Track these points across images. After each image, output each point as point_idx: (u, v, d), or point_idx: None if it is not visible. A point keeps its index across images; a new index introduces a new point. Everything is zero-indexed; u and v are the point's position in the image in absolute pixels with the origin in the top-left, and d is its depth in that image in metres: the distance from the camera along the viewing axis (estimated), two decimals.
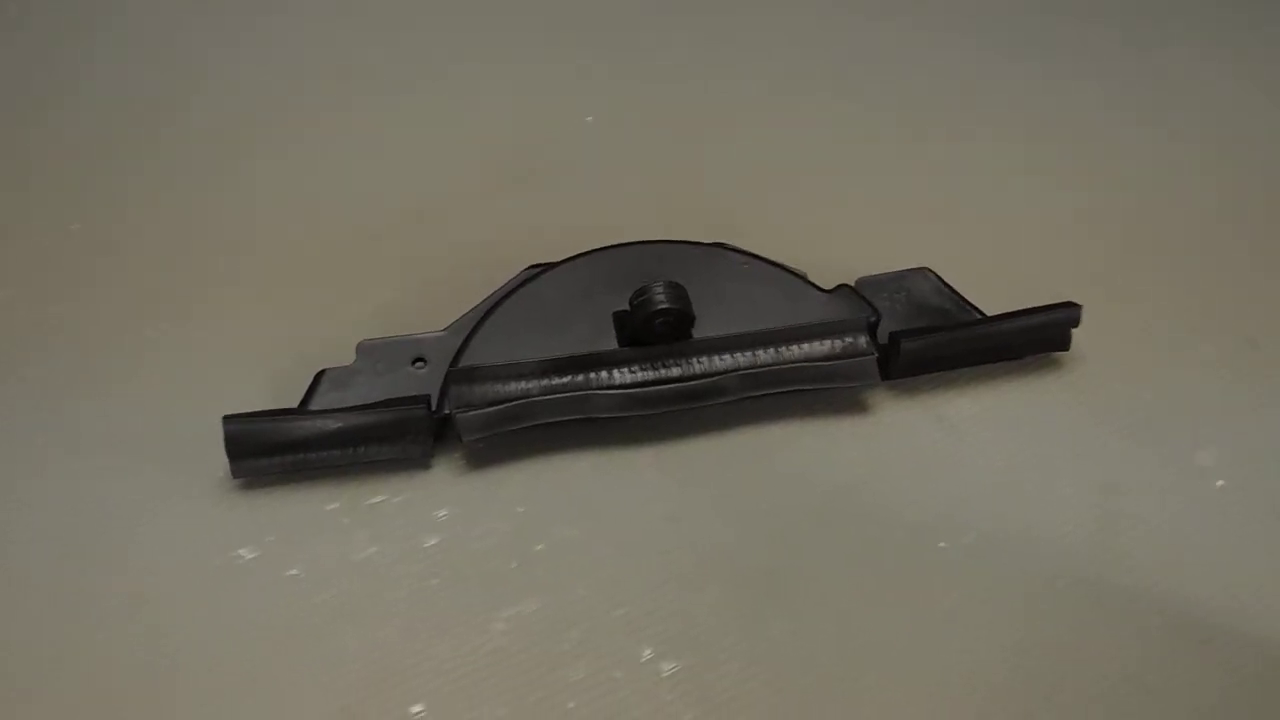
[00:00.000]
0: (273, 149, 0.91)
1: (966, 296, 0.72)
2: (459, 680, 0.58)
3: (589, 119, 0.91)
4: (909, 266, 0.74)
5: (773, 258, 0.72)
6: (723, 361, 0.67)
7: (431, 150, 0.90)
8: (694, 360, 0.67)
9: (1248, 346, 0.72)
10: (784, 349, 0.67)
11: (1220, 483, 0.65)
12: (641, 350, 0.67)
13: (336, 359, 0.69)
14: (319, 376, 0.69)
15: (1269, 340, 0.73)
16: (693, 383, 0.66)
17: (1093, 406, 0.69)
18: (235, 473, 0.65)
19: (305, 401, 0.68)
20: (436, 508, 0.65)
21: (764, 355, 0.67)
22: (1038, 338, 0.70)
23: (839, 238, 0.79)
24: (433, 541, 0.64)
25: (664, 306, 0.66)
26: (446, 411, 0.66)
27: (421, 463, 0.67)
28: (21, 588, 0.62)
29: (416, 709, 0.58)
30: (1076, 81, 0.96)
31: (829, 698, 0.57)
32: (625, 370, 0.66)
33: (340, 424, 0.65)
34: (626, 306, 0.68)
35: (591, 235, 0.73)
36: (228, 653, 0.59)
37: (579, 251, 0.72)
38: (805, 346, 0.67)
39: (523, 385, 0.66)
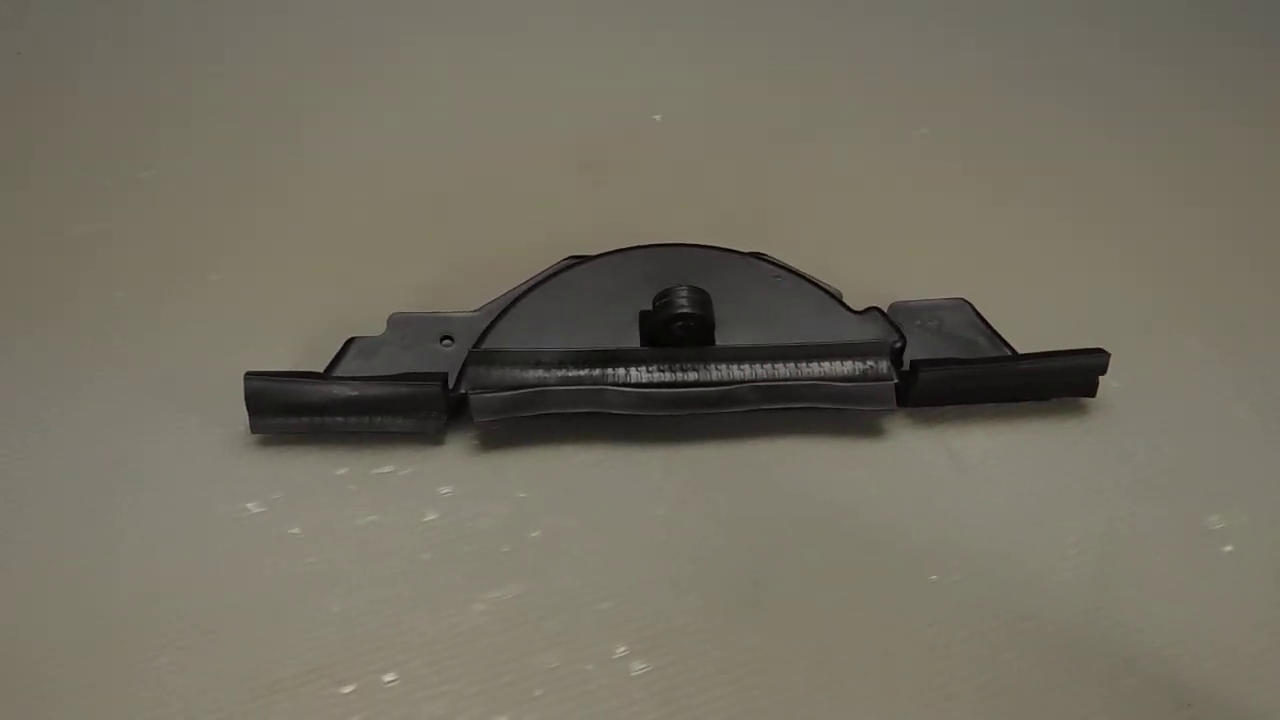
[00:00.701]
0: (343, 115, 0.92)
1: (1006, 334, 0.71)
2: (433, 655, 0.60)
3: (657, 117, 0.92)
4: (948, 296, 0.73)
5: (812, 273, 0.72)
6: (740, 371, 0.67)
7: (497, 130, 0.91)
8: (712, 367, 0.67)
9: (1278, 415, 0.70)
10: (803, 365, 0.67)
11: (1228, 548, 0.64)
12: (661, 351, 0.67)
13: (372, 328, 0.70)
14: (349, 343, 0.70)
15: None
16: (708, 389, 0.67)
17: (1110, 456, 0.68)
18: (254, 428, 0.67)
19: (331, 366, 0.69)
20: (441, 484, 0.67)
21: (782, 369, 0.67)
22: (1063, 381, 0.69)
23: (884, 261, 0.79)
24: (432, 517, 0.65)
25: (684, 311, 0.66)
26: (463, 391, 0.67)
27: (435, 439, 0.68)
28: (35, 510, 0.65)
29: (389, 678, 0.59)
30: (1138, 131, 0.94)
31: (791, 714, 0.57)
32: (643, 370, 0.67)
33: (357, 392, 0.66)
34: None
35: (639, 232, 0.74)
36: (214, 598, 0.62)
37: (621, 247, 0.73)
38: (825, 365, 0.67)
39: (539, 374, 0.66)
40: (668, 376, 0.67)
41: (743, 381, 0.67)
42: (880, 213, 0.85)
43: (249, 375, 0.66)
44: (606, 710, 0.58)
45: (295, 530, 0.65)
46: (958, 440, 0.69)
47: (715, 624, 0.61)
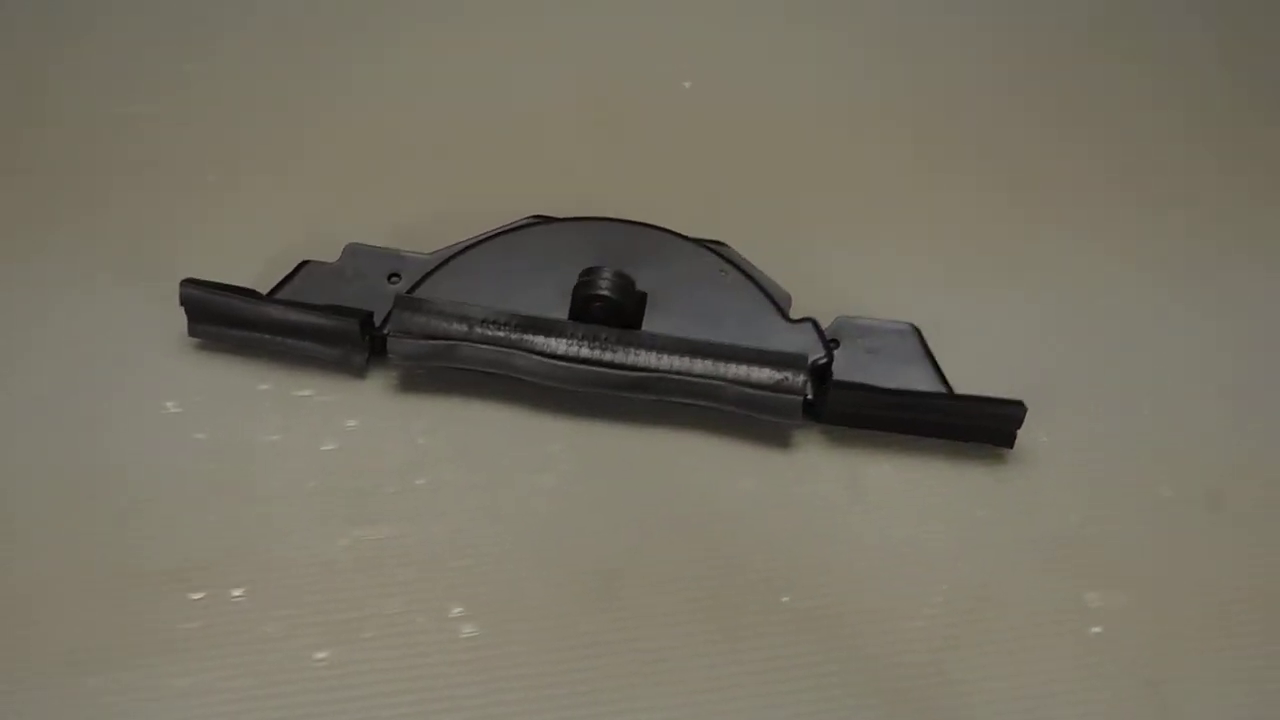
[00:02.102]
0: (384, 49, 0.93)
1: (961, 368, 0.70)
2: (286, 579, 0.63)
3: (687, 84, 0.91)
4: (903, 320, 0.71)
5: (775, 273, 0.72)
6: (656, 360, 0.67)
7: (522, 79, 0.91)
8: (630, 350, 0.67)
9: (1207, 501, 0.67)
10: (719, 365, 0.67)
11: (1096, 629, 0.62)
12: (583, 327, 0.68)
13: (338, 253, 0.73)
14: (301, 265, 0.73)
15: (1235, 504, 0.67)
16: (621, 372, 0.67)
17: (1011, 512, 0.67)
18: (191, 332, 0.71)
19: (279, 286, 0.72)
20: (350, 417, 0.69)
21: (698, 365, 0.67)
22: (977, 426, 0.68)
23: (864, 270, 0.77)
24: (330, 446, 0.68)
25: (600, 293, 0.67)
26: (385, 332, 0.69)
27: (358, 372, 0.70)
28: None
29: (237, 592, 0.62)
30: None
31: (603, 706, 0.59)
32: (563, 341, 0.68)
33: (282, 316, 0.69)
34: None
35: (630, 199, 0.76)
36: (105, 483, 0.66)
37: (591, 214, 0.74)
38: (740, 369, 0.67)
39: (460, 328, 0.68)
40: (584, 352, 0.68)
41: (654, 370, 0.67)
42: (881, 220, 0.83)
43: (185, 282, 0.69)
44: (424, 664, 0.60)
45: (201, 435, 0.68)
46: (864, 466, 0.68)
47: (559, 605, 0.62)
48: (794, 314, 0.72)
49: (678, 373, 0.67)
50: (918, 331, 0.71)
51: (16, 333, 0.72)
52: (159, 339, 0.72)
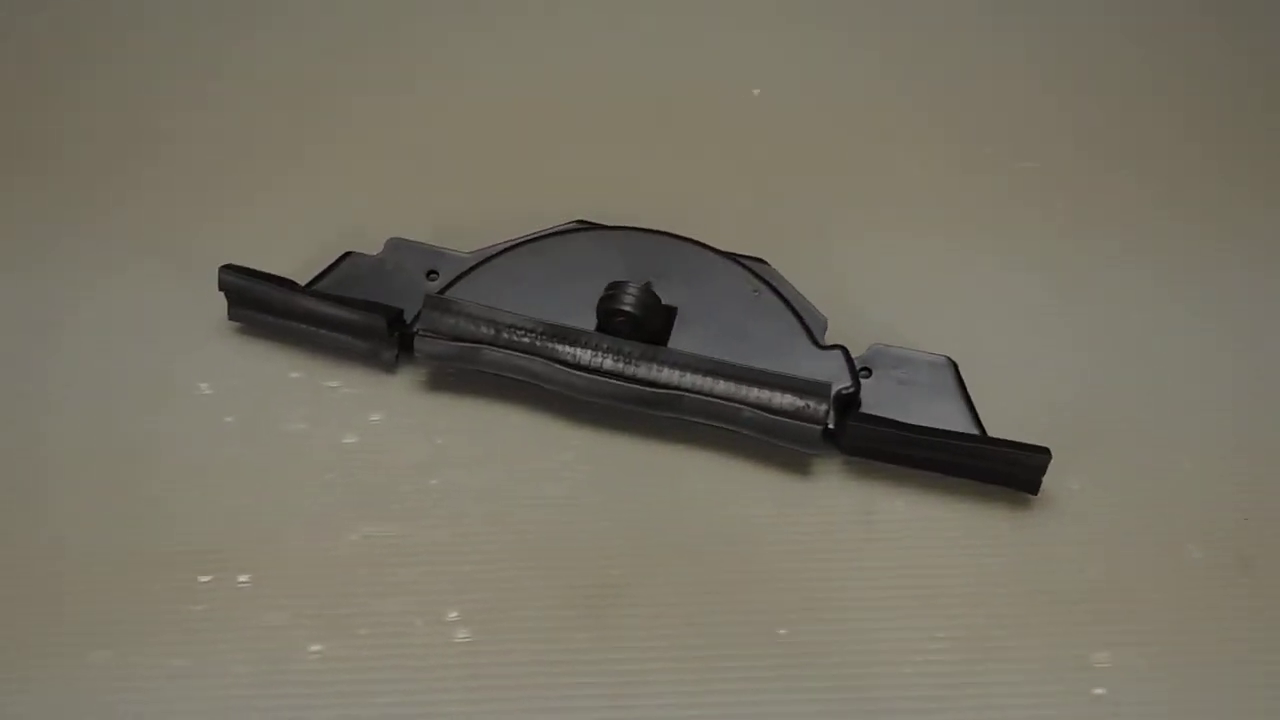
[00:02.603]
0: (439, 38, 0.94)
1: (998, 405, 0.69)
2: (292, 569, 0.64)
3: (756, 92, 0.90)
4: (941, 354, 0.70)
5: (816, 294, 0.72)
6: (678, 378, 0.67)
7: (581, 77, 0.91)
8: (652, 366, 0.67)
9: (1238, 565, 0.65)
10: (740, 387, 0.66)
11: (1099, 691, 0.60)
12: (608, 340, 0.68)
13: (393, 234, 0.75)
14: (344, 256, 0.74)
15: (1266, 572, 0.65)
16: (641, 387, 0.67)
17: (1028, 561, 0.65)
18: (231, 316, 0.72)
19: (321, 275, 0.73)
20: (374, 411, 0.70)
21: (719, 386, 0.67)
22: (999, 470, 0.66)
23: (905, 298, 0.76)
24: (351, 440, 0.69)
25: (624, 309, 0.67)
26: (415, 330, 0.70)
27: (388, 367, 0.71)
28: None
29: (244, 578, 0.64)
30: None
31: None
32: (587, 352, 0.68)
33: (315, 308, 0.70)
34: None
35: (672, 209, 0.76)
36: (132, 460, 0.68)
37: (637, 223, 0.74)
38: (761, 393, 0.66)
39: (487, 332, 0.68)
40: (606, 365, 0.68)
41: (674, 388, 0.67)
42: (940, 246, 0.81)
43: (224, 268, 0.71)
44: (414, 667, 0.61)
45: (229, 419, 0.70)
46: (881, 500, 0.67)
47: (553, 616, 0.63)
48: (831, 337, 0.71)
49: (697, 392, 0.67)
50: (953, 365, 0.70)
51: (67, 313, 0.75)
52: (201, 322, 0.74)
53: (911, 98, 0.90)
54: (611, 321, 0.68)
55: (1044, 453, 0.64)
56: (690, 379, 0.67)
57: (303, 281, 0.73)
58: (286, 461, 0.68)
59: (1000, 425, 0.68)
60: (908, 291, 0.77)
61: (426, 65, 0.92)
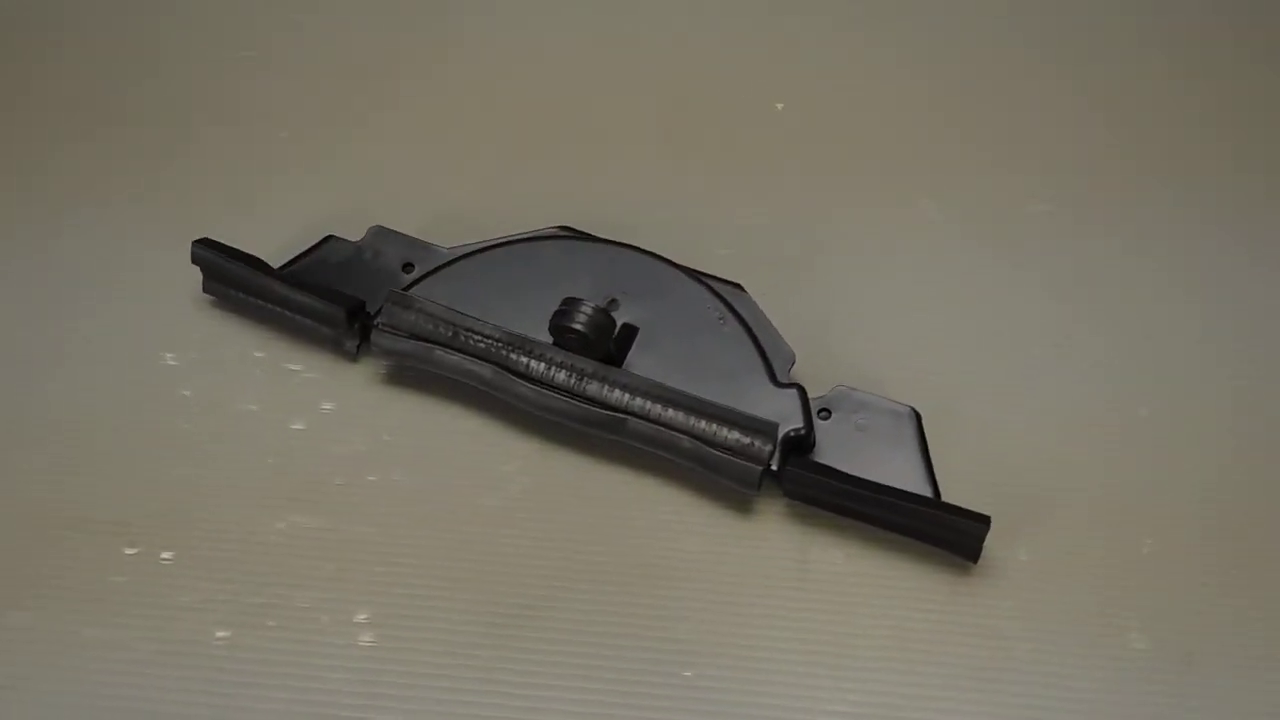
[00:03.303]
0: (473, 28, 0.93)
1: (962, 463, 0.67)
2: (216, 551, 0.65)
3: (779, 106, 0.88)
4: (908, 403, 0.68)
5: (793, 324, 0.70)
6: (626, 401, 0.66)
7: (617, 77, 0.89)
8: (604, 386, 0.66)
9: (1180, 660, 0.62)
10: (686, 418, 0.65)
11: None
12: (564, 355, 0.67)
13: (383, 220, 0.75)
14: (325, 240, 0.74)
15: (1208, 668, 0.61)
16: (589, 407, 0.66)
17: (954, 630, 0.62)
18: (205, 289, 0.73)
19: (300, 256, 0.74)
20: (328, 399, 0.70)
21: (664, 414, 0.65)
22: (939, 535, 0.64)
23: (891, 341, 0.74)
24: (299, 426, 0.69)
25: (574, 327, 0.66)
26: (377, 323, 0.69)
27: (349, 356, 0.71)
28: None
29: (167, 555, 0.64)
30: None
31: None
32: (541, 365, 0.67)
33: (280, 291, 0.70)
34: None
35: (663, 223, 0.76)
36: (84, 422, 0.70)
37: (620, 236, 0.73)
38: (707, 426, 0.65)
39: (444, 332, 0.68)
40: (559, 379, 0.67)
41: (618, 410, 0.66)
42: (936, 292, 0.78)
43: (197, 243, 0.72)
44: (312, 664, 0.61)
45: (187, 393, 0.71)
46: (819, 550, 0.65)
47: (461, 630, 0.62)
48: (803, 373, 0.70)
49: (642, 416, 0.65)
50: (916, 416, 0.67)
51: (43, 267, 0.76)
52: (181, 292, 0.74)
53: (929, 137, 0.86)
54: (563, 337, 0.66)
55: (983, 521, 0.62)
56: (636, 403, 0.65)
57: (283, 260, 0.73)
58: (232, 442, 0.69)
59: (960, 484, 0.66)
60: (895, 334, 0.74)
61: (456, 54, 0.91)
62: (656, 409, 0.65)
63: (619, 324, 0.69)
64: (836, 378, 0.69)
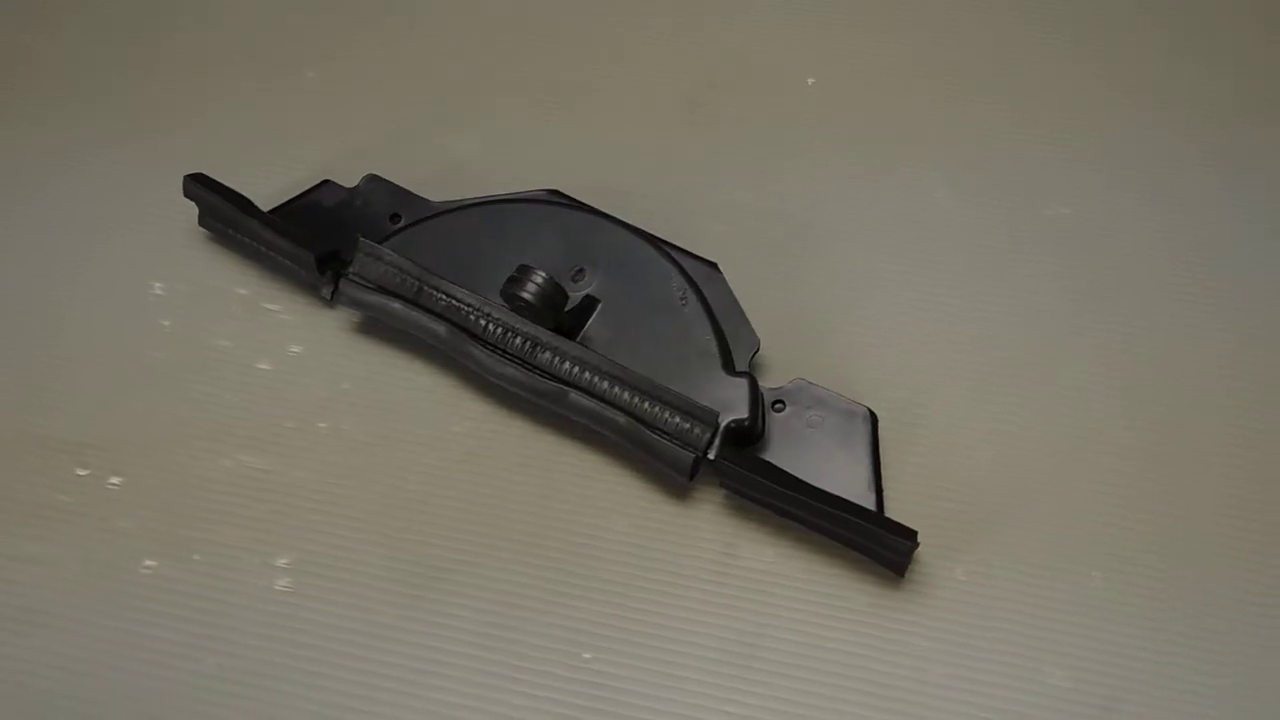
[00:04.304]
0: None
1: (917, 470, 0.65)
2: (161, 481, 0.67)
3: (811, 80, 0.85)
4: (866, 404, 0.65)
5: (765, 309, 0.68)
6: (570, 372, 0.65)
7: (643, 42, 0.87)
8: (553, 355, 0.65)
9: (1103, 704, 0.59)
10: (630, 397, 0.64)
11: None
12: (521, 322, 0.66)
13: (389, 169, 0.75)
14: (321, 184, 0.75)
15: (1131, 713, 0.58)
16: (536, 375, 0.66)
17: (865, 647, 0.61)
18: (200, 223, 0.75)
19: (296, 198, 0.75)
20: (296, 342, 0.71)
21: (610, 391, 0.64)
22: (864, 545, 0.61)
23: (875, 338, 0.71)
24: (264, 366, 0.71)
25: (523, 295, 0.65)
26: (345, 272, 0.70)
27: (326, 301, 0.72)
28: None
29: (115, 480, 0.67)
30: None
31: (362, 701, 0.60)
32: (499, 329, 0.66)
33: (260, 231, 0.71)
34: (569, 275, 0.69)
35: (657, 195, 0.75)
36: (67, 342, 0.72)
37: (608, 205, 0.72)
38: (649, 407, 0.64)
39: (410, 287, 0.68)
40: (514, 345, 0.66)
41: (567, 383, 0.65)
42: (924, 292, 0.74)
43: (189, 178, 0.73)
44: (230, 601, 0.63)
45: (166, 323, 0.72)
46: (748, 545, 0.64)
47: (374, 585, 0.63)
48: (772, 362, 0.69)
49: (584, 390, 0.65)
50: (873, 418, 0.65)
51: (77, 198, 0.78)
52: (178, 223, 0.76)
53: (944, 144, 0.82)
54: (513, 304, 0.66)
55: (908, 537, 0.59)
56: (583, 376, 0.65)
57: (281, 201, 0.74)
58: (198, 375, 0.70)
59: (911, 494, 0.64)
60: (875, 332, 0.71)
61: (490, 10, 0.90)
62: (599, 384, 0.64)
63: (581, 295, 0.68)
64: (803, 370, 0.67)
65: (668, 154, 0.80)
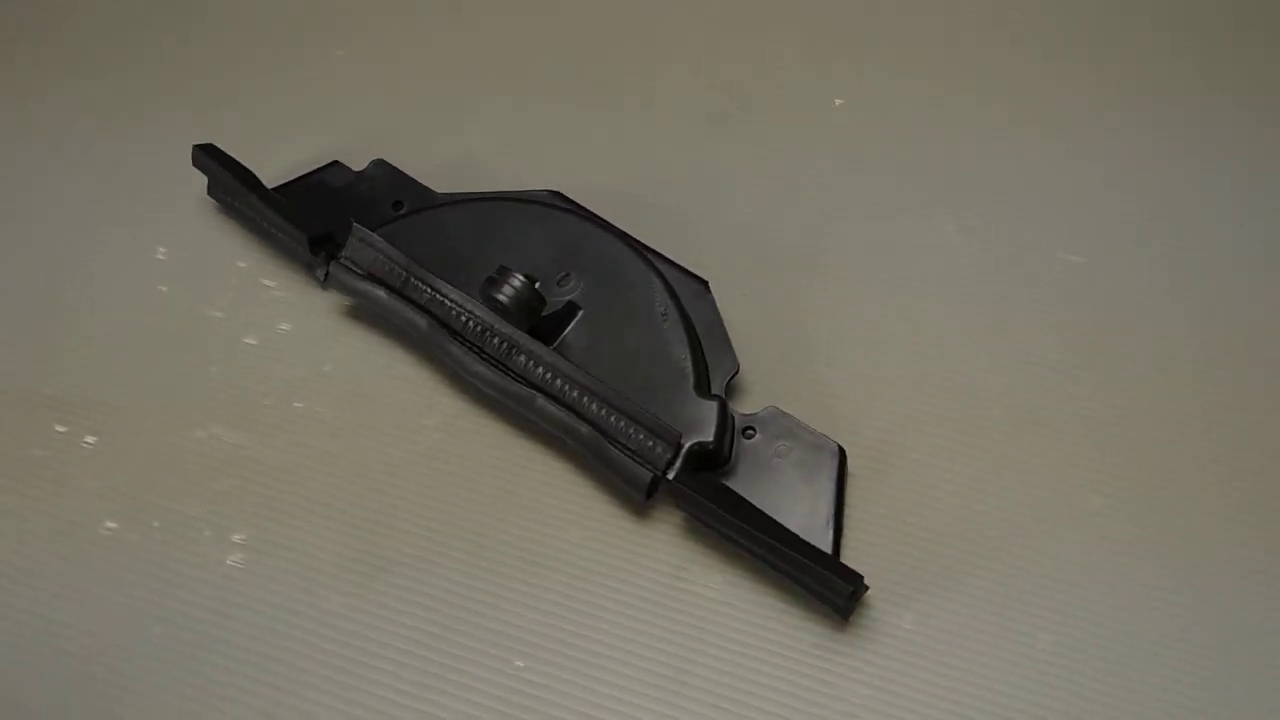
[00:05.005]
0: None
1: (880, 510, 0.64)
2: (131, 444, 0.68)
3: (838, 101, 0.83)
4: (838, 440, 0.65)
5: (753, 332, 0.69)
6: (544, 379, 0.65)
7: (674, 51, 0.87)
8: (530, 360, 0.65)
9: None
10: (596, 408, 0.64)
11: None
12: (500, 322, 0.66)
13: (402, 155, 0.77)
14: (329, 165, 0.76)
15: None
16: (509, 377, 0.66)
17: (797, 689, 0.59)
18: (208, 191, 0.76)
19: (304, 176, 0.76)
20: (286, 320, 0.72)
21: (577, 400, 0.64)
22: (809, 585, 0.60)
23: (865, 372, 0.70)
24: (251, 341, 0.71)
25: (498, 297, 0.65)
26: (338, 257, 0.71)
27: (319, 283, 0.72)
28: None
29: (91, 439, 0.68)
30: None
31: (297, 685, 0.60)
32: (479, 327, 0.67)
33: (257, 208, 0.72)
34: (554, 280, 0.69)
35: (665, 205, 0.75)
36: (69, 300, 0.74)
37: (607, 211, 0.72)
38: (618, 422, 0.63)
39: (397, 277, 0.68)
40: (491, 345, 0.66)
41: (536, 387, 0.65)
42: (919, 325, 0.73)
43: (198, 148, 0.74)
44: (181, 571, 0.63)
45: (163, 289, 0.74)
46: (699, 570, 0.63)
47: (323, 571, 0.63)
48: (750, 387, 0.68)
49: (551, 396, 0.64)
50: (841, 454, 0.64)
51: (95, 162, 0.80)
52: (189, 195, 0.77)
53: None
54: (490, 304, 0.66)
55: (852, 581, 0.58)
56: (554, 383, 0.64)
57: (290, 178, 0.75)
58: (185, 344, 0.71)
59: (872, 536, 0.64)
60: (863, 366, 0.70)
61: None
62: (569, 392, 0.64)
63: (564, 300, 0.68)
64: (782, 398, 0.66)
65: (683, 164, 0.80)
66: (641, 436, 0.62)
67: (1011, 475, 0.65)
